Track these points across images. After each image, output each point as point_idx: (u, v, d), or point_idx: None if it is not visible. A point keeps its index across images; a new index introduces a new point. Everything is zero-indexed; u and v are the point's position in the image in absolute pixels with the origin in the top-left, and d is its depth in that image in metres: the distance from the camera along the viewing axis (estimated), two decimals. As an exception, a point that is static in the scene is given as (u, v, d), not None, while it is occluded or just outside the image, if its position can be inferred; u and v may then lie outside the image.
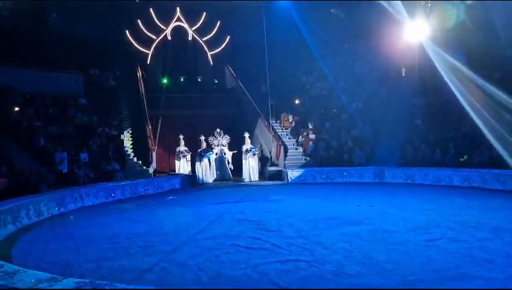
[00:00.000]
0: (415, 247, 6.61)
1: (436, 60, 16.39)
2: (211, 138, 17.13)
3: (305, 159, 17.37)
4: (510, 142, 12.79)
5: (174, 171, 17.34)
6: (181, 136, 17.26)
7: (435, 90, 17.22)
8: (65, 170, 13.16)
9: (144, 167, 16.19)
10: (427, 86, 17.94)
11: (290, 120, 19.74)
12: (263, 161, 17.93)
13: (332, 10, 22.79)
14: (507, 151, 12.61)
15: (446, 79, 15.56)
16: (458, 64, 15.74)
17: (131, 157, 16.39)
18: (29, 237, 8.33)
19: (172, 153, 17.93)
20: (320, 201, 11.66)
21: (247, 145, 16.77)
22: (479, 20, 17.41)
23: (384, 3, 17.03)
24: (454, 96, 14.87)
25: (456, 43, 17.49)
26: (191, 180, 15.88)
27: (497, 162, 13.06)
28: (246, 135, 16.98)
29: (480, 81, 14.66)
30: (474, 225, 7.96)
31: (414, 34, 17.85)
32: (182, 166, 17.15)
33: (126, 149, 16.58)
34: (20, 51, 16.91)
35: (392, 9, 16.84)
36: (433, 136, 16.04)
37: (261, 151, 18.29)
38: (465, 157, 14.14)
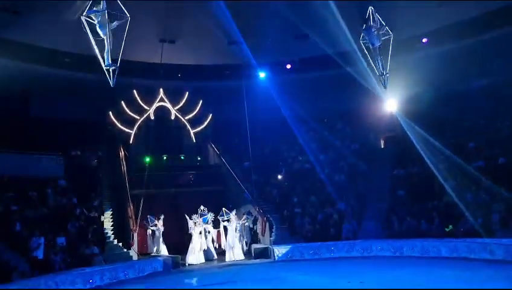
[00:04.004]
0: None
1: (409, 131, 17.05)
2: (194, 216, 16.74)
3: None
4: (484, 218, 12.96)
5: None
6: (162, 216, 16.88)
7: (413, 160, 17.60)
8: (41, 256, 12.50)
9: (125, 250, 15.55)
10: (406, 156, 18.36)
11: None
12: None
13: None
14: (481, 227, 12.71)
15: (419, 150, 16.08)
16: (427, 136, 16.39)
17: (111, 239, 15.78)
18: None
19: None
20: (309, 278, 11.31)
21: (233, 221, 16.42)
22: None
23: (358, 77, 17.98)
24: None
25: (426, 115, 18.36)
26: (174, 262, 15.25)
27: (480, 230, 13.05)
28: (233, 212, 16.66)
29: (450, 154, 15.21)
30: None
31: (388, 107, 18.73)
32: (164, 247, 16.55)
33: (106, 231, 15.99)
34: (1, 134, 16.86)
35: (365, 82, 17.74)
36: (416, 206, 16.07)
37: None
38: (450, 227, 14.11)
